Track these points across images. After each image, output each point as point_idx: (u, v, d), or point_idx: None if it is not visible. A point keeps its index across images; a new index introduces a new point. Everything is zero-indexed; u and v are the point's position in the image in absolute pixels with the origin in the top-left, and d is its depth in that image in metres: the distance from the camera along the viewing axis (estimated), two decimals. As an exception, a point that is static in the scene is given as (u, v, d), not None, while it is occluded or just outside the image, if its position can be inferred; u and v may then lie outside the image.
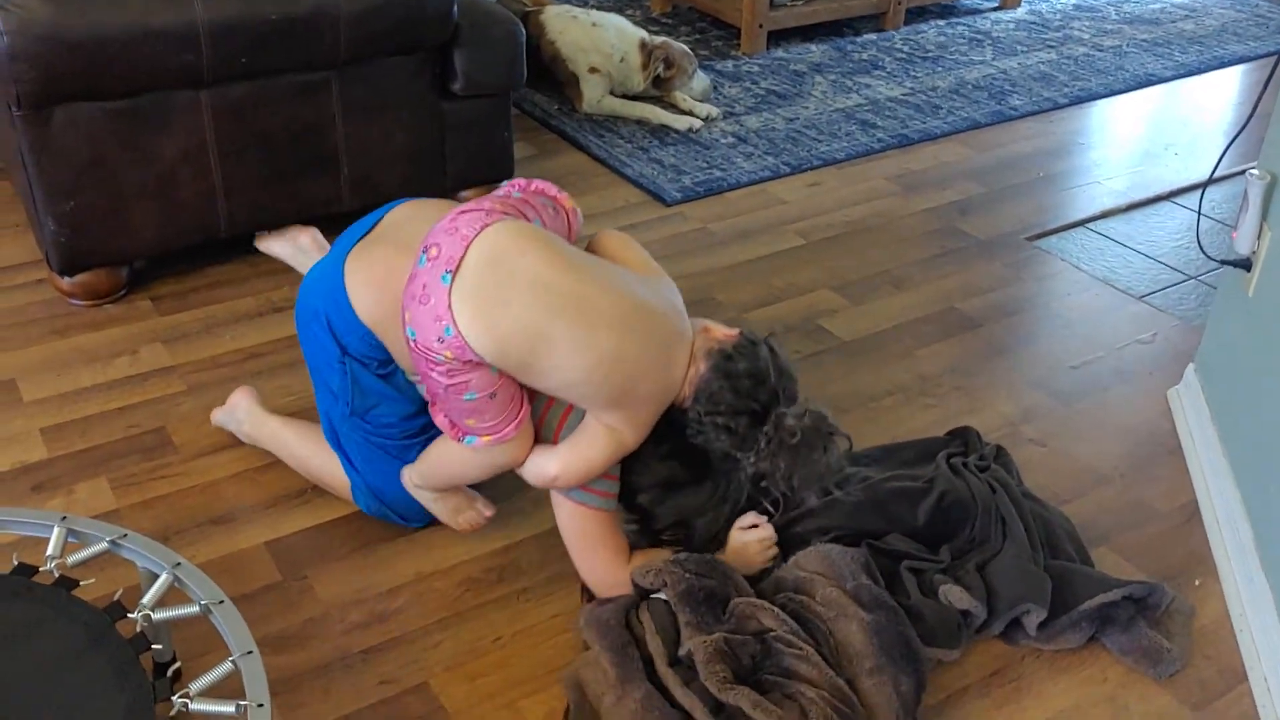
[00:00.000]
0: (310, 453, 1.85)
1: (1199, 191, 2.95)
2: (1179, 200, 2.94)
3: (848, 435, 1.58)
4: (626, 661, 1.50)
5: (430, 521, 1.77)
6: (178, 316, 2.31)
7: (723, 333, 1.58)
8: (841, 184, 2.97)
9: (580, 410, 1.58)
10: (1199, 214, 2.12)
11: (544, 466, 1.59)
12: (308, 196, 2.44)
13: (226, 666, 1.29)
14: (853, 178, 3.01)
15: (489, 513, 1.76)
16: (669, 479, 1.62)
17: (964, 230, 2.76)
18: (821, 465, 1.54)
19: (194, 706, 1.24)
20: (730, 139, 3.18)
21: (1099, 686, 1.59)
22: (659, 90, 3.35)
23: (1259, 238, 1.85)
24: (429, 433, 1.68)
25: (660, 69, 3.28)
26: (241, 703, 1.24)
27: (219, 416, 1.98)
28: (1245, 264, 1.89)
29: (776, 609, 1.54)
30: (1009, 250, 2.68)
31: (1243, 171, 2.90)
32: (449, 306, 1.46)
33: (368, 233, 1.67)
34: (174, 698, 1.25)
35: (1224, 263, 1.95)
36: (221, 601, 1.36)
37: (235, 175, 2.32)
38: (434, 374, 1.50)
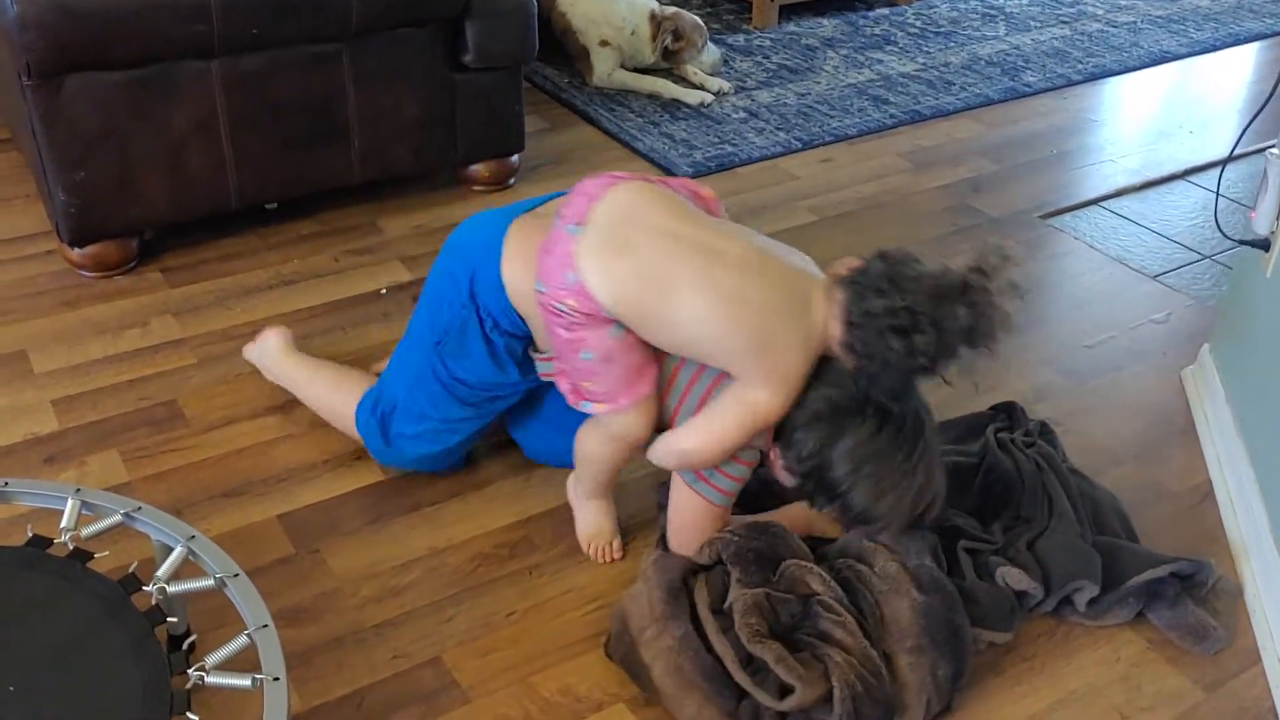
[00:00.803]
0: (319, 393, 1.91)
1: (1213, 170, 2.94)
2: (1193, 179, 2.92)
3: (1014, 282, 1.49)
4: (674, 601, 1.52)
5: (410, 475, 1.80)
6: (188, 289, 2.30)
7: (847, 264, 1.53)
8: (853, 160, 2.95)
9: (705, 386, 1.55)
10: (1217, 194, 2.10)
11: (674, 442, 1.56)
12: (318, 168, 2.43)
13: (242, 640, 1.29)
14: (865, 154, 2.99)
15: (618, 555, 1.72)
16: (828, 433, 1.51)
17: (976, 208, 2.74)
18: (1000, 313, 1.46)
19: (210, 680, 1.24)
20: (742, 114, 3.16)
21: (1112, 666, 1.59)
22: (668, 62, 3.33)
23: (1278, 218, 1.83)
24: (490, 407, 1.72)
25: (669, 40, 3.26)
26: (257, 676, 1.24)
27: (249, 352, 2.04)
28: (1264, 244, 1.88)
29: (825, 574, 1.55)
30: (1022, 228, 2.66)
31: (1259, 150, 2.88)
32: (572, 254, 1.48)
33: (537, 206, 1.68)
34: (190, 671, 1.25)
35: (1242, 242, 1.93)
36: (236, 575, 1.36)
37: (246, 146, 2.31)
38: (556, 326, 1.53)
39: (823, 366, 1.53)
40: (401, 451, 1.78)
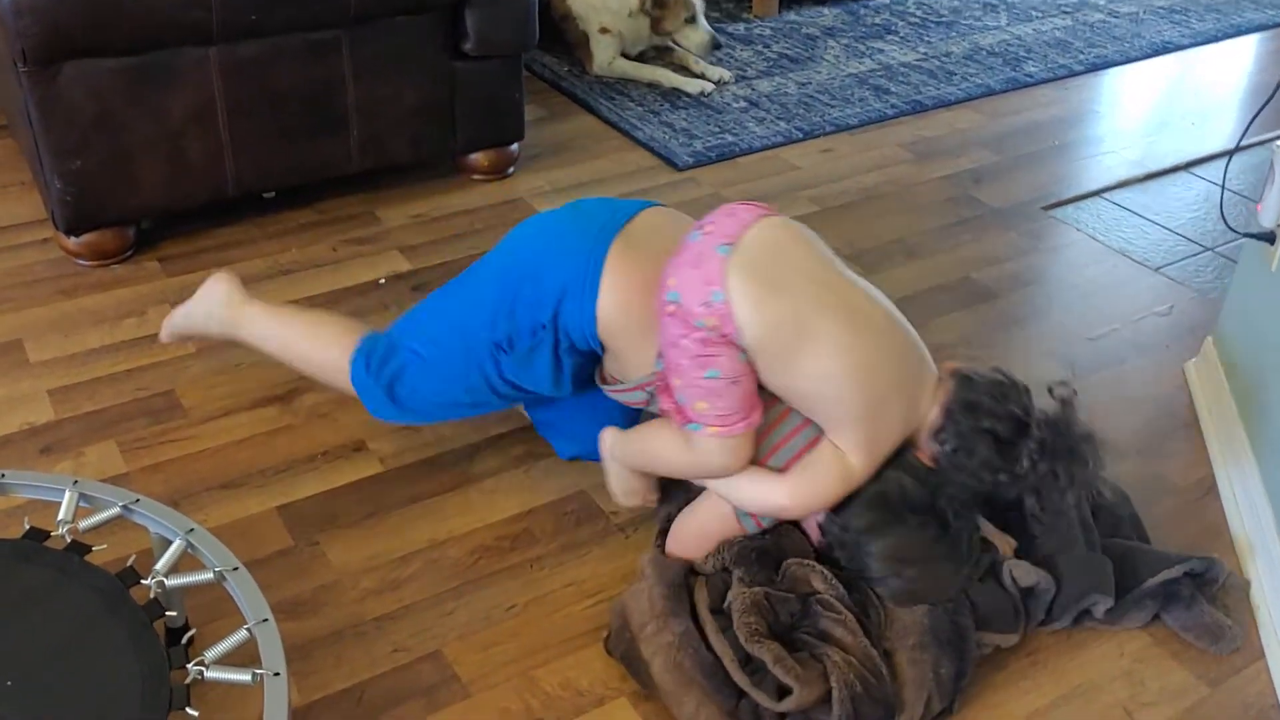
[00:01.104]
0: (294, 343, 1.77)
1: (1215, 162, 2.93)
2: (1196, 170, 2.91)
3: (1094, 430, 1.52)
4: (675, 598, 1.51)
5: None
6: (186, 278, 2.29)
7: (955, 363, 1.57)
8: (854, 150, 2.94)
9: (803, 435, 1.53)
10: (1223, 186, 2.09)
11: (770, 495, 1.53)
12: (316, 157, 2.41)
13: (242, 634, 1.27)
14: (866, 144, 2.97)
15: (654, 497, 1.71)
16: (884, 519, 1.52)
17: (978, 199, 2.73)
18: (1092, 463, 1.49)
19: (209, 675, 1.23)
20: (742, 103, 3.14)
21: (1115, 662, 1.58)
22: (657, 34, 3.29)
23: (1284, 211, 1.82)
24: (526, 399, 1.70)
25: (648, 3, 3.22)
26: (258, 671, 1.23)
27: (176, 322, 1.86)
28: (1269, 237, 1.87)
29: (828, 573, 1.54)
30: (1024, 220, 2.65)
31: (1260, 143, 2.87)
32: (723, 275, 1.44)
33: (623, 226, 1.58)
34: (189, 665, 1.23)
35: (1246, 235, 1.92)
36: (236, 568, 1.35)
37: (244, 134, 2.29)
38: (685, 341, 1.46)
39: (902, 452, 1.53)
40: (413, 412, 1.72)
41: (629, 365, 1.59)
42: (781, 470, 1.54)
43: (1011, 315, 2.30)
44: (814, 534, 1.60)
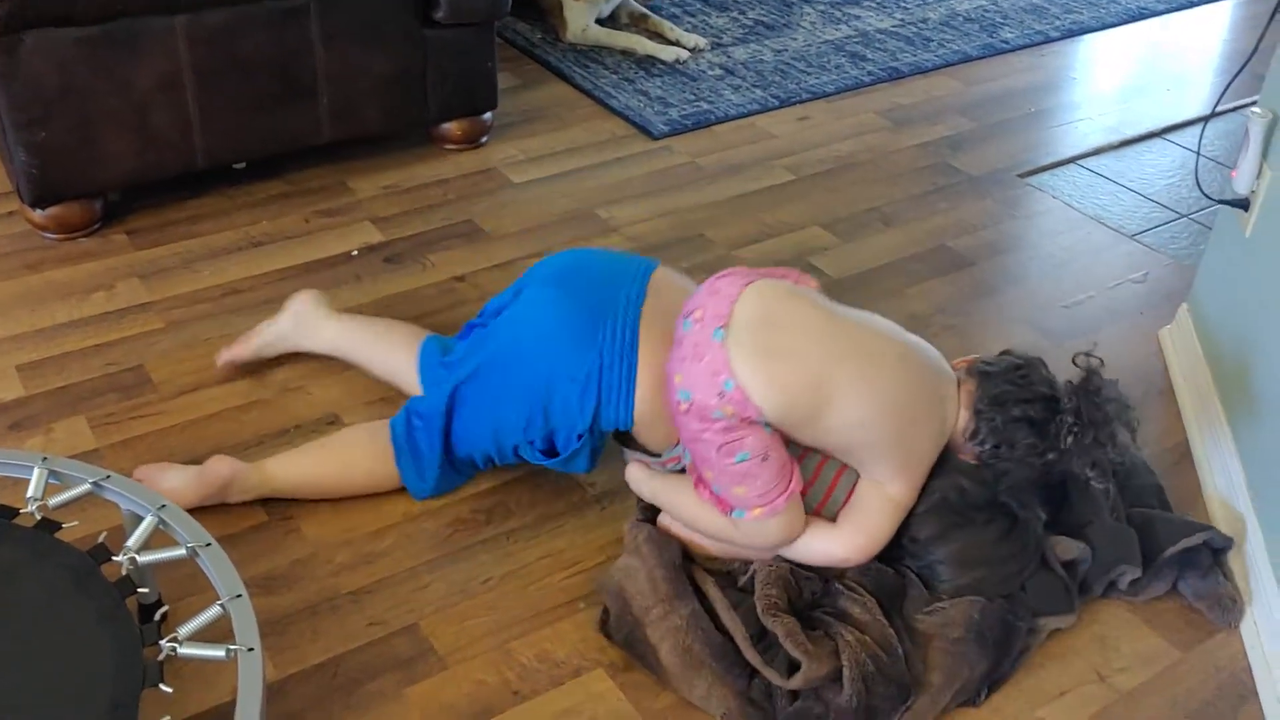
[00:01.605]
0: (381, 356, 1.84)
1: (1191, 128, 2.93)
2: (1171, 137, 2.91)
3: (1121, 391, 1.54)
4: (678, 579, 1.50)
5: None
6: (154, 251, 2.26)
7: (968, 358, 1.59)
8: (831, 118, 2.92)
9: (843, 483, 1.53)
10: (1198, 153, 2.10)
11: (828, 549, 1.51)
12: (286, 127, 2.38)
13: (215, 610, 1.27)
14: (842, 112, 2.96)
15: None
16: (950, 523, 1.53)
17: (955, 166, 2.72)
18: (1126, 412, 1.50)
19: (182, 651, 1.22)
20: (718, 70, 3.12)
21: (1089, 627, 1.59)
22: None
23: (1258, 178, 1.82)
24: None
25: None
26: (231, 647, 1.22)
27: (275, 328, 1.90)
28: (1243, 204, 1.87)
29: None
30: (1000, 187, 2.65)
31: (1236, 108, 2.88)
32: (727, 361, 1.43)
33: (640, 312, 1.56)
34: (162, 642, 1.23)
35: (1221, 202, 1.92)
36: (209, 544, 1.33)
37: (212, 105, 2.26)
38: (708, 434, 1.45)
39: (945, 459, 1.54)
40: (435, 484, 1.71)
41: (659, 438, 1.58)
42: (833, 520, 1.54)
43: (987, 283, 2.30)
44: None
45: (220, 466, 1.64)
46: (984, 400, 1.51)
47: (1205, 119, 2.14)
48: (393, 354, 1.82)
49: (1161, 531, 1.62)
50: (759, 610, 1.46)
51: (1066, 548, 1.57)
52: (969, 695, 1.46)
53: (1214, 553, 1.64)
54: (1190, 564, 1.61)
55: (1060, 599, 1.55)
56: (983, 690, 1.47)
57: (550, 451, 1.62)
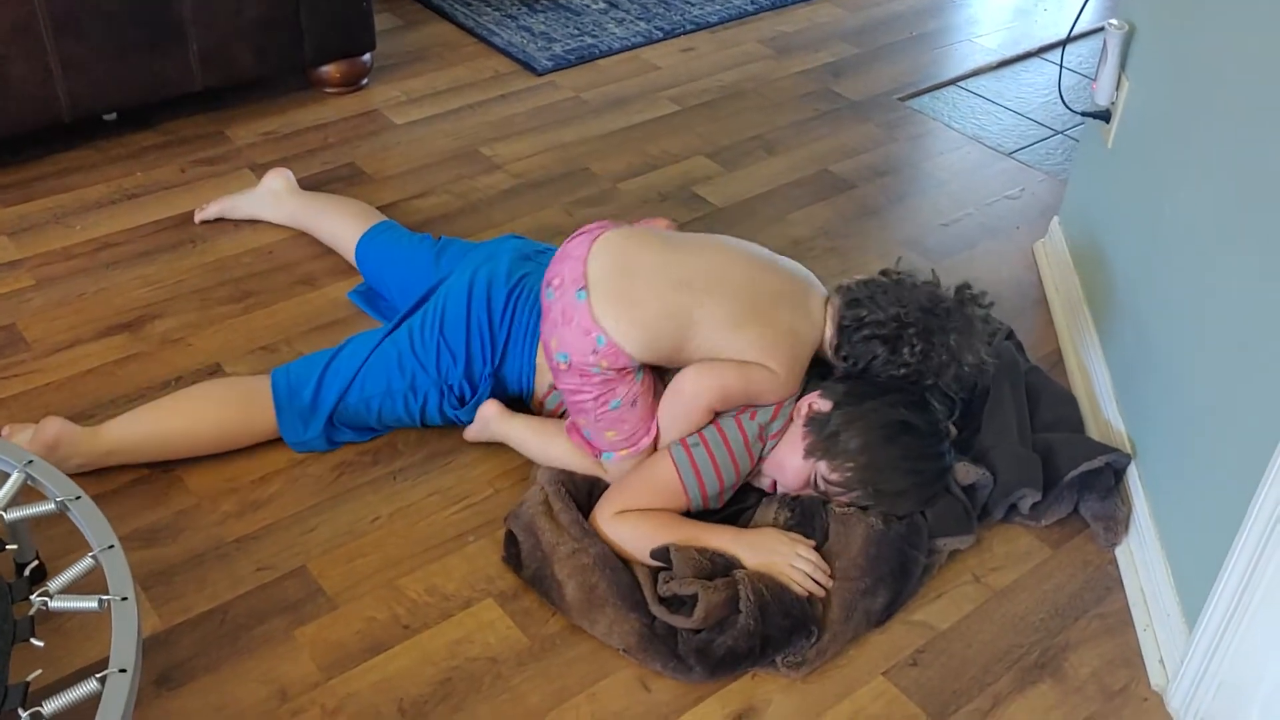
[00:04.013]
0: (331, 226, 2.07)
1: (1069, 47, 2.98)
2: (1047, 56, 2.96)
3: (985, 292, 1.60)
4: (585, 523, 1.53)
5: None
6: (23, 207, 2.19)
7: (851, 279, 1.62)
8: (715, 48, 2.92)
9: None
10: (1060, 66, 2.14)
11: (678, 386, 1.55)
12: (155, 75, 2.31)
13: (87, 562, 1.25)
14: (726, 42, 2.96)
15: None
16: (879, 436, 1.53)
17: (837, 92, 2.75)
18: (980, 325, 1.55)
19: (54, 605, 1.21)
20: (601, 4, 3.09)
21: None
22: None
23: (1117, 89, 1.87)
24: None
25: None
26: (104, 597, 1.21)
27: (250, 202, 2.16)
28: (1105, 115, 1.92)
29: (790, 506, 1.58)
30: (881, 111, 2.68)
31: (1100, 29, 2.93)
32: (594, 318, 1.50)
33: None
34: (33, 597, 1.21)
35: (1085, 115, 1.97)
36: (78, 497, 1.31)
37: (73, 53, 2.18)
38: (586, 388, 1.53)
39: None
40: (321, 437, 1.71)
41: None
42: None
43: (868, 205, 2.34)
44: (794, 483, 1.59)
45: (48, 426, 1.60)
46: (846, 318, 1.57)
47: (1064, 42, 2.19)
48: (342, 227, 2.04)
49: (1064, 454, 1.64)
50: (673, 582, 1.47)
51: (966, 472, 1.61)
52: (873, 623, 1.49)
53: (1116, 474, 1.67)
54: (1090, 485, 1.64)
55: (960, 521, 1.59)
56: (885, 616, 1.51)
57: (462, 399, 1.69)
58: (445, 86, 2.68)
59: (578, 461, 1.61)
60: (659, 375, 1.60)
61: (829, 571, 1.50)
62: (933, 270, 1.66)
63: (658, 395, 1.58)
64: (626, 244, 1.57)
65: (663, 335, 1.52)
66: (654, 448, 1.58)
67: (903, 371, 1.55)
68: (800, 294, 1.60)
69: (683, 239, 1.64)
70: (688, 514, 1.57)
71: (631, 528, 1.52)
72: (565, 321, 1.52)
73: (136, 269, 2.05)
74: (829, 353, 1.60)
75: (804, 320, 1.58)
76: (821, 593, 1.48)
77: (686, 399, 1.54)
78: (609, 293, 1.52)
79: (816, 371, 1.62)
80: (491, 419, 1.68)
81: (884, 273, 1.63)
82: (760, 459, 1.58)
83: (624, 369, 1.52)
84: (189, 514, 1.61)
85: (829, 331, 1.58)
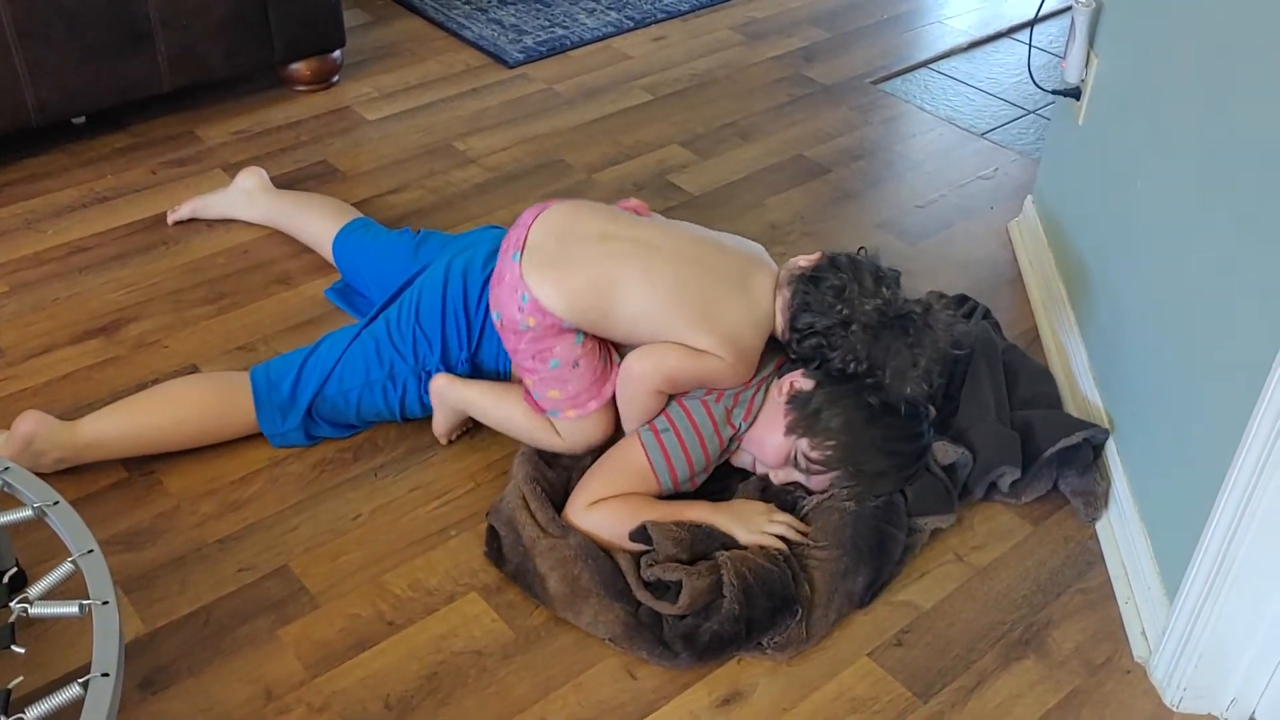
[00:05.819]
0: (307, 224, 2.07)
1: (1038, 26, 2.99)
2: (1017, 36, 2.97)
3: (953, 324, 1.57)
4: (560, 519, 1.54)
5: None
6: (-8, 213, 2.18)
7: (805, 259, 1.59)
8: (686, 36, 2.92)
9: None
10: (1029, 45, 2.15)
11: (628, 365, 1.56)
12: (123, 76, 2.30)
13: (67, 567, 1.25)
14: (697, 29, 2.96)
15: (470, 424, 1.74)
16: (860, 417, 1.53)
17: (810, 77, 2.75)
18: (906, 354, 1.49)
19: (34, 611, 1.21)
20: (572, -5, 3.08)
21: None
22: None
23: (1086, 66, 1.88)
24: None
25: None
26: (85, 602, 1.21)
27: (225, 201, 2.15)
28: (1075, 93, 1.93)
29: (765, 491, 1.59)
30: (854, 95, 2.68)
31: (1067, 8, 2.94)
32: (521, 277, 1.55)
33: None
34: (13, 604, 1.20)
35: (1055, 93, 1.98)
36: (56, 503, 1.31)
37: (40, 57, 2.17)
38: (520, 346, 1.59)
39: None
40: (301, 434, 1.72)
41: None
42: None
43: (843, 189, 2.34)
44: (774, 461, 1.59)
45: (23, 422, 1.59)
46: (795, 312, 1.55)
47: (1033, 22, 2.20)
48: (317, 224, 2.04)
49: (1042, 431, 1.64)
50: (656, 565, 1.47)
51: (945, 451, 1.61)
52: (855, 604, 1.50)
53: (1095, 450, 1.67)
54: (1069, 461, 1.64)
55: (941, 500, 1.59)
56: (867, 596, 1.51)
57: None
58: (417, 81, 2.67)
59: (528, 423, 1.63)
60: (616, 347, 1.62)
61: (805, 531, 1.52)
62: (893, 269, 1.63)
63: (611, 364, 1.60)
64: (570, 213, 1.63)
65: (584, 296, 1.55)
66: (609, 417, 1.61)
67: (852, 367, 1.52)
68: (744, 273, 1.59)
69: (631, 216, 1.66)
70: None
71: (607, 514, 1.52)
72: (498, 281, 1.59)
73: (110, 272, 2.04)
74: (781, 337, 1.59)
75: (746, 301, 1.56)
76: (800, 539, 1.51)
77: (634, 381, 1.56)
78: (540, 255, 1.57)
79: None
80: (443, 387, 1.66)
81: (833, 262, 1.56)
82: (732, 441, 1.58)
83: (553, 327, 1.55)
84: (169, 516, 1.60)
85: (779, 322, 1.58)
